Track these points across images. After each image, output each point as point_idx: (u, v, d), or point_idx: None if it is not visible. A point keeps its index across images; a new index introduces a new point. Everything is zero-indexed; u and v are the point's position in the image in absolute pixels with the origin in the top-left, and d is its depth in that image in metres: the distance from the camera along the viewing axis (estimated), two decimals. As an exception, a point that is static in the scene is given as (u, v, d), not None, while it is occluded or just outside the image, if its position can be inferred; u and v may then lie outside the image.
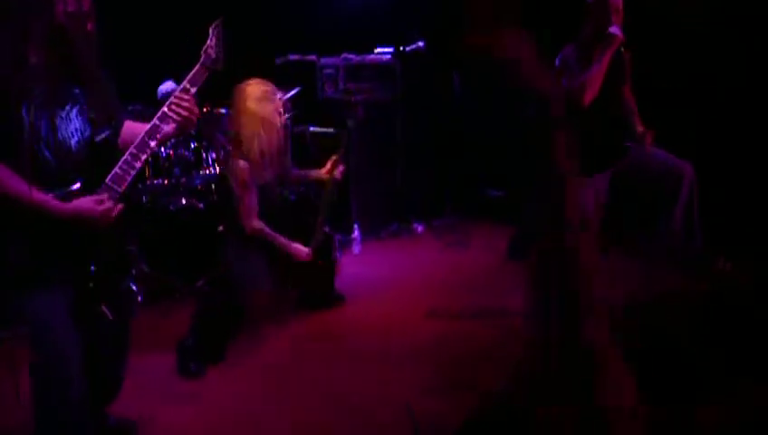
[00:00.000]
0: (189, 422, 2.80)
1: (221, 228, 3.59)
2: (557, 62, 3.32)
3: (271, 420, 2.81)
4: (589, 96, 3.14)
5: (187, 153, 4.41)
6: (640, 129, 3.56)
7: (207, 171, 4.49)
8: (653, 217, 3.56)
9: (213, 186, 4.49)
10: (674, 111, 4.27)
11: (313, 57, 5.40)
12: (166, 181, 4.36)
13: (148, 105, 4.23)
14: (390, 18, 5.84)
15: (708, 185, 3.54)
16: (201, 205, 4.35)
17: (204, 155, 4.51)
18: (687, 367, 2.29)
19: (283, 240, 3.55)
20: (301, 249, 3.61)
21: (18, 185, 1.97)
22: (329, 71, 5.38)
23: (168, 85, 4.89)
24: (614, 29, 3.16)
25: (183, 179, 4.39)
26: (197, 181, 4.43)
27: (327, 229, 3.93)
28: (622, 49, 3.37)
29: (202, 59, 2.41)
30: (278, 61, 5.34)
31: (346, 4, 5.97)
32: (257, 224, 3.43)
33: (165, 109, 2.27)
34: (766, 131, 4.02)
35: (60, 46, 2.04)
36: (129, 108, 4.38)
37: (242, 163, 3.38)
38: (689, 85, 4.32)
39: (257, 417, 2.82)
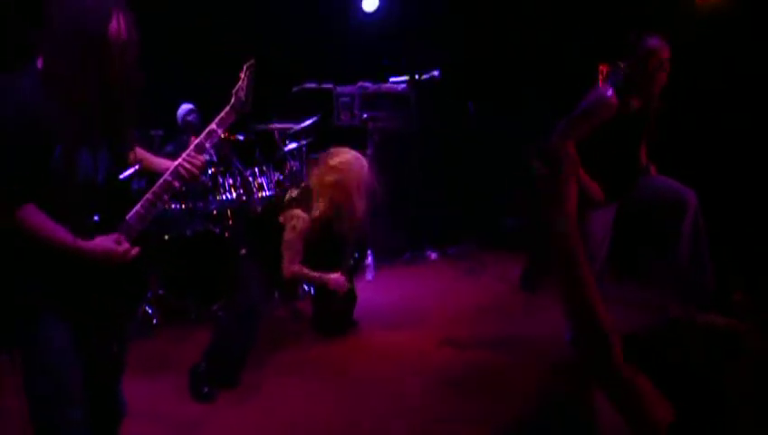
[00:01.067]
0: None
1: (243, 252, 3.63)
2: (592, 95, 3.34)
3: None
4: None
5: (204, 178, 4.47)
6: (644, 161, 3.58)
7: (224, 196, 4.54)
8: (662, 247, 3.56)
9: (229, 211, 4.55)
10: (680, 141, 4.30)
11: (330, 85, 5.48)
12: (183, 206, 4.42)
13: (169, 130, 4.32)
14: (405, 48, 5.93)
15: (724, 215, 3.55)
16: (217, 230, 4.39)
17: (221, 180, 4.56)
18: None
19: (319, 275, 3.61)
20: (338, 278, 3.67)
21: (47, 224, 1.98)
22: (345, 99, 5.46)
23: (184, 108, 5.00)
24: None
25: (200, 204, 4.45)
26: (213, 206, 4.48)
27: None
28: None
29: (232, 101, 2.43)
30: (295, 89, 5.42)
31: (362, 34, 6.08)
32: (297, 268, 3.48)
33: (192, 150, 2.30)
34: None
35: (105, 80, 2.02)
36: (152, 133, 4.47)
37: (302, 214, 3.46)
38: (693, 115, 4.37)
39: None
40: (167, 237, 4.27)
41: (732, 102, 4.49)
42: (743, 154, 4.39)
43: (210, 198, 4.50)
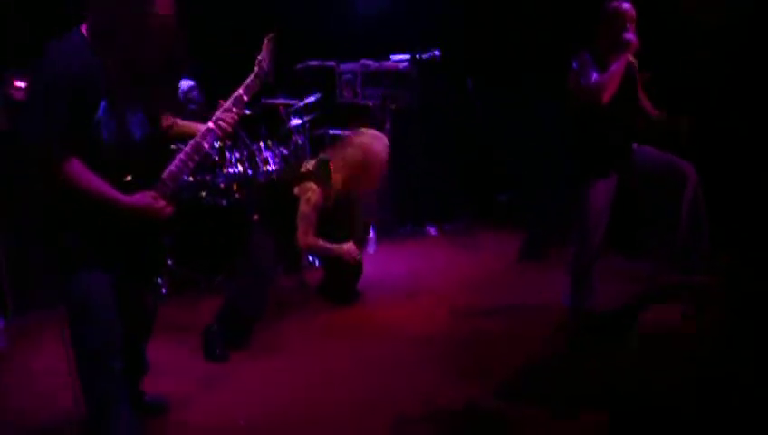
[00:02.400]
0: (212, 404, 2.94)
1: (256, 217, 3.75)
2: (574, 65, 3.45)
3: (288, 406, 2.94)
4: (606, 95, 3.26)
5: (211, 152, 4.57)
6: (655, 113, 3.67)
7: (231, 170, 4.65)
8: (659, 219, 3.69)
9: (235, 185, 4.65)
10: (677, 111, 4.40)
11: (332, 63, 5.56)
12: (191, 178, 4.52)
13: (176, 104, 4.39)
14: (407, 26, 6.00)
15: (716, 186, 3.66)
16: (224, 202, 4.50)
17: (228, 154, 4.67)
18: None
19: (333, 247, 3.74)
20: (349, 249, 3.79)
21: (91, 177, 2.11)
22: (347, 76, 5.55)
23: (185, 84, 5.09)
24: (629, 35, 3.30)
25: (207, 177, 4.55)
26: (221, 179, 4.59)
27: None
28: (630, 58, 3.50)
29: (256, 70, 2.54)
30: (299, 66, 5.51)
31: (364, 12, 6.15)
32: (312, 240, 3.61)
33: (219, 114, 2.43)
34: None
35: (147, 45, 2.14)
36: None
37: (316, 187, 3.58)
38: (694, 87, 4.47)
39: (275, 402, 2.96)
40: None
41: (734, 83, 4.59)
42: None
43: (217, 171, 4.60)
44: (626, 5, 3.41)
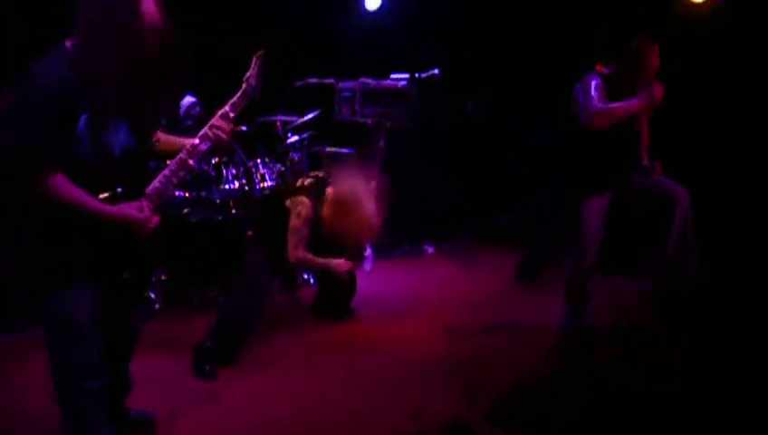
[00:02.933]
0: (203, 419, 2.91)
1: (250, 233, 3.73)
2: (578, 86, 3.45)
3: (279, 421, 2.91)
4: (597, 124, 3.27)
5: (207, 168, 4.58)
6: (646, 162, 3.69)
7: (227, 186, 4.65)
8: (651, 240, 3.69)
9: (231, 201, 4.65)
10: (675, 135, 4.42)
11: (332, 81, 5.59)
12: (186, 194, 4.52)
13: (172, 120, 4.42)
14: (407, 45, 6.04)
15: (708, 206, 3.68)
16: (220, 218, 4.50)
17: (224, 171, 4.67)
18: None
19: (323, 261, 3.72)
20: (341, 264, 3.78)
21: (75, 191, 2.11)
22: (346, 94, 5.57)
23: (188, 100, 5.12)
24: (655, 91, 3.31)
25: (203, 193, 4.55)
26: (217, 195, 4.59)
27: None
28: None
29: (244, 87, 2.54)
30: (298, 83, 5.53)
31: (364, 32, 6.19)
32: (302, 254, 3.58)
33: (206, 130, 2.43)
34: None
35: (132, 61, 2.12)
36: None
37: (307, 202, 3.55)
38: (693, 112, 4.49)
39: (266, 418, 2.92)
40: (169, 224, 4.37)
41: (728, 100, 4.61)
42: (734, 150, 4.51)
43: (213, 187, 4.61)
44: (651, 46, 3.41)
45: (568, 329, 3.54)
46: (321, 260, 3.70)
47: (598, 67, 3.57)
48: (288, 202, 3.58)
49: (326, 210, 3.62)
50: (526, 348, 3.55)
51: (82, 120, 2.11)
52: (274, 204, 3.68)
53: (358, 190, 3.59)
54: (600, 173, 3.47)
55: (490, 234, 6.11)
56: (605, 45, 3.66)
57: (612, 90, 3.38)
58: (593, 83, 3.40)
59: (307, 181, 3.72)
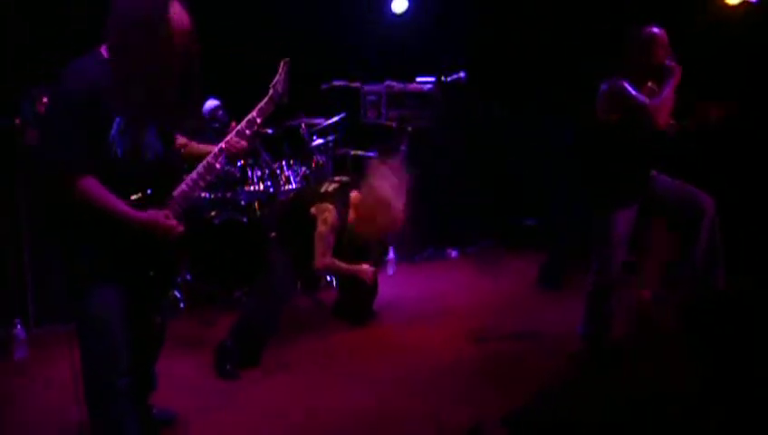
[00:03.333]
0: (223, 418, 2.95)
1: (273, 235, 3.76)
2: (603, 87, 3.41)
3: (299, 422, 2.93)
4: (663, 119, 3.23)
5: (233, 170, 4.63)
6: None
7: (252, 188, 4.70)
8: (677, 250, 3.62)
9: (256, 203, 4.70)
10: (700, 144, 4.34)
11: (357, 84, 5.61)
12: (212, 195, 4.58)
13: (196, 121, 4.48)
14: (433, 49, 6.04)
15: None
16: (245, 219, 4.55)
17: (249, 173, 4.72)
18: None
19: (348, 267, 3.74)
20: (367, 270, 3.80)
21: (105, 194, 2.15)
22: (372, 97, 5.58)
23: (211, 103, 5.19)
24: (672, 62, 3.27)
25: (228, 194, 4.61)
26: (242, 197, 4.64)
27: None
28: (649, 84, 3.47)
29: (270, 93, 2.58)
30: (324, 86, 5.56)
31: (391, 35, 6.20)
32: (329, 261, 3.60)
33: (233, 136, 2.48)
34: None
35: (163, 66, 2.17)
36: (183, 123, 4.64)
37: (333, 209, 3.57)
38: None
39: (286, 419, 2.95)
40: (195, 225, 4.44)
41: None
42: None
43: (239, 188, 4.66)
44: (658, 31, 3.38)
45: (591, 336, 3.50)
46: (347, 266, 3.72)
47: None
48: (314, 209, 3.60)
49: (352, 215, 3.64)
50: (548, 354, 3.53)
51: (116, 124, 2.16)
52: (300, 209, 3.71)
53: (383, 193, 3.60)
54: (630, 185, 3.41)
55: (514, 238, 6.07)
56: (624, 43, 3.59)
57: (635, 84, 3.34)
58: (626, 85, 3.34)
59: (331, 187, 3.73)
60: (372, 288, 4.14)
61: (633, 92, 3.30)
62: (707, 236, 3.44)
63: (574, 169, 4.23)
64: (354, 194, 3.70)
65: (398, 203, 3.59)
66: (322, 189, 3.73)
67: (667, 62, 3.30)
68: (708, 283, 3.45)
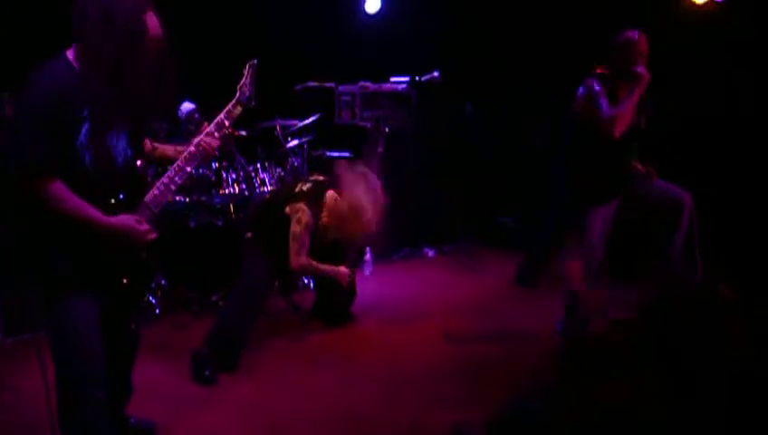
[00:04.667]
0: (203, 425, 2.92)
1: (249, 235, 3.73)
2: (581, 90, 3.45)
3: (278, 426, 2.91)
4: (619, 130, 3.26)
5: (208, 173, 4.58)
6: (642, 168, 3.67)
7: (227, 190, 4.66)
8: (655, 246, 3.67)
9: (231, 205, 4.65)
10: (677, 142, 4.42)
11: (332, 84, 5.59)
12: (187, 199, 4.53)
13: (172, 124, 4.43)
14: (407, 48, 6.04)
15: (711, 214, 3.66)
16: (220, 223, 4.50)
17: (224, 175, 4.68)
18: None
19: (326, 268, 3.73)
20: (343, 271, 3.79)
21: (74, 198, 2.11)
22: (346, 98, 5.57)
23: (187, 106, 5.12)
24: (641, 69, 3.31)
25: (203, 197, 4.55)
26: (217, 200, 4.59)
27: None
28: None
29: (237, 96, 2.59)
30: (298, 87, 5.54)
31: (364, 35, 6.19)
32: (305, 261, 3.59)
33: (202, 138, 2.45)
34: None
35: (133, 71, 2.15)
36: (155, 126, 4.57)
37: (307, 209, 3.56)
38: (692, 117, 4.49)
39: (265, 423, 2.93)
40: (170, 229, 4.38)
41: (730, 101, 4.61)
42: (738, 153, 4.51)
43: (214, 191, 4.61)
44: (638, 37, 3.41)
45: (569, 334, 3.53)
46: (323, 267, 3.71)
47: (598, 69, 3.56)
48: (288, 209, 3.58)
49: (326, 216, 3.62)
50: (526, 354, 3.55)
51: (84, 130, 2.12)
52: (273, 207, 3.68)
53: (358, 194, 3.59)
54: (607, 183, 3.45)
55: (490, 237, 6.10)
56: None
57: (608, 88, 3.38)
58: (597, 90, 3.38)
59: (306, 186, 3.72)
60: (350, 291, 4.12)
61: (598, 100, 3.34)
62: (685, 230, 3.49)
63: (551, 167, 4.26)
64: (329, 193, 3.68)
65: (369, 207, 3.58)
66: (297, 189, 3.72)
67: (636, 68, 3.33)
68: (684, 278, 3.50)
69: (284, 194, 3.76)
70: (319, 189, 3.70)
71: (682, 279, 3.51)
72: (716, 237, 3.74)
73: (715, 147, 4.59)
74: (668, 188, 3.59)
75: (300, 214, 3.54)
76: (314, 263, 3.64)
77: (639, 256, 4.12)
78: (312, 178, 3.88)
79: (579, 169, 3.55)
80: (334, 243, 3.83)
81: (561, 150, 3.75)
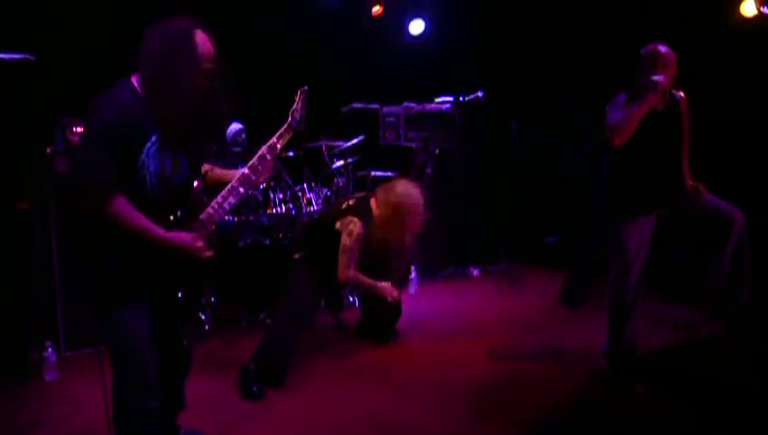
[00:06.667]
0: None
1: (297, 256, 3.83)
2: (608, 107, 3.44)
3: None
4: (620, 138, 3.23)
5: (255, 193, 4.72)
6: (690, 182, 3.60)
7: (274, 210, 4.78)
8: (701, 263, 3.59)
9: (278, 225, 4.77)
10: (730, 159, 4.33)
11: (376, 106, 5.69)
12: (235, 218, 4.67)
13: (220, 145, 4.59)
14: (450, 69, 6.11)
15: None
16: (267, 241, 4.62)
17: (271, 195, 4.81)
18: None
19: (373, 283, 3.81)
20: (389, 287, 3.87)
21: (135, 214, 2.24)
22: (391, 119, 5.66)
23: (235, 126, 5.30)
24: (655, 77, 3.27)
25: (251, 217, 4.69)
26: (264, 219, 4.72)
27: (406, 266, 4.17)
28: (679, 97, 3.47)
29: (289, 120, 2.74)
30: (344, 109, 5.66)
31: (408, 57, 6.29)
32: (353, 274, 3.68)
33: (255, 160, 2.57)
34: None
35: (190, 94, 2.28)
36: (207, 148, 4.74)
37: (358, 221, 3.67)
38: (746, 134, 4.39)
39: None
40: (219, 248, 4.51)
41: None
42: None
43: (261, 211, 4.74)
44: (662, 48, 3.41)
45: (613, 355, 3.48)
46: (370, 281, 3.77)
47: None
48: (338, 224, 3.67)
49: (376, 224, 3.71)
50: (568, 373, 3.52)
51: (146, 150, 2.25)
52: (323, 228, 3.78)
53: (405, 200, 3.70)
54: (641, 197, 3.41)
55: (535, 256, 6.07)
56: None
57: (632, 99, 3.34)
58: (619, 100, 3.37)
59: (351, 202, 3.82)
60: (395, 309, 4.17)
61: (609, 108, 3.33)
62: (735, 247, 3.41)
63: (592, 184, 4.23)
64: (373, 201, 3.78)
65: (418, 210, 3.71)
66: (344, 206, 3.82)
67: (649, 77, 3.28)
68: (733, 295, 3.43)
69: (332, 212, 3.85)
70: (363, 202, 3.79)
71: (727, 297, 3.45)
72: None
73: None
74: (719, 205, 3.51)
75: (351, 226, 3.63)
76: (361, 277, 3.71)
77: (682, 274, 4.05)
78: (355, 195, 3.97)
79: (615, 180, 3.51)
80: (380, 260, 3.90)
81: (600, 166, 3.71)
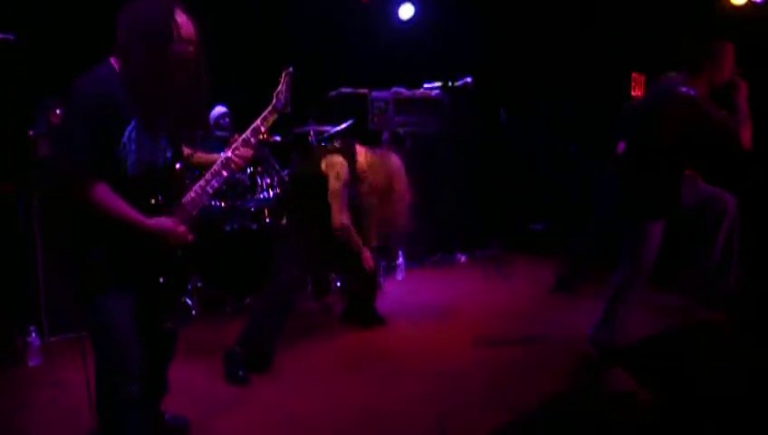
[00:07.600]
0: (235, 423, 2.98)
1: (284, 221, 3.78)
2: (677, 98, 3.27)
3: (311, 424, 2.96)
4: (747, 137, 3.16)
5: (243, 178, 4.68)
6: (689, 172, 3.57)
7: (261, 195, 4.75)
8: (694, 249, 3.60)
9: (266, 210, 4.75)
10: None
11: (365, 91, 5.66)
12: (222, 203, 4.63)
13: (205, 129, 4.54)
14: (440, 54, 6.07)
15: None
16: (254, 226, 4.59)
17: (258, 180, 4.77)
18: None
19: (359, 242, 3.79)
20: (368, 256, 3.87)
21: (117, 200, 2.20)
22: (379, 104, 5.63)
23: (218, 110, 5.25)
24: (738, 78, 3.22)
25: (238, 202, 4.66)
26: (251, 204, 4.69)
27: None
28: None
29: (273, 102, 2.66)
30: (332, 93, 5.62)
31: (397, 42, 6.25)
32: (347, 220, 3.62)
33: (238, 144, 2.53)
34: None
35: (172, 76, 2.24)
36: (192, 133, 4.69)
37: (342, 159, 3.59)
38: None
39: (297, 424, 2.98)
40: (206, 232, 4.49)
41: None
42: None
43: (248, 196, 4.71)
44: (730, 45, 3.35)
45: (601, 342, 3.49)
46: (357, 239, 3.75)
47: (634, 75, 3.50)
48: (323, 164, 3.61)
49: (361, 164, 3.70)
50: (557, 361, 3.53)
51: (127, 132, 2.21)
52: (307, 174, 3.73)
53: (392, 161, 3.76)
54: (675, 198, 3.34)
55: (522, 242, 6.08)
56: (692, 55, 3.47)
57: (703, 95, 3.26)
58: (699, 96, 3.24)
59: (336, 144, 3.81)
60: (371, 282, 4.15)
61: (709, 108, 3.18)
62: (726, 233, 3.41)
63: (594, 176, 4.18)
64: (359, 147, 3.77)
65: (402, 171, 3.76)
66: (329, 147, 3.80)
67: (738, 79, 3.25)
68: (721, 282, 3.44)
69: (317, 152, 3.78)
70: (348, 145, 3.77)
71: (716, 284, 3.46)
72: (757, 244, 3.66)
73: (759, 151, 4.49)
74: (713, 191, 3.51)
75: (337, 167, 3.58)
76: (353, 229, 3.68)
77: (673, 261, 4.06)
78: (342, 139, 4.00)
79: (655, 183, 3.39)
80: (361, 213, 3.88)
81: (612, 161, 3.62)
